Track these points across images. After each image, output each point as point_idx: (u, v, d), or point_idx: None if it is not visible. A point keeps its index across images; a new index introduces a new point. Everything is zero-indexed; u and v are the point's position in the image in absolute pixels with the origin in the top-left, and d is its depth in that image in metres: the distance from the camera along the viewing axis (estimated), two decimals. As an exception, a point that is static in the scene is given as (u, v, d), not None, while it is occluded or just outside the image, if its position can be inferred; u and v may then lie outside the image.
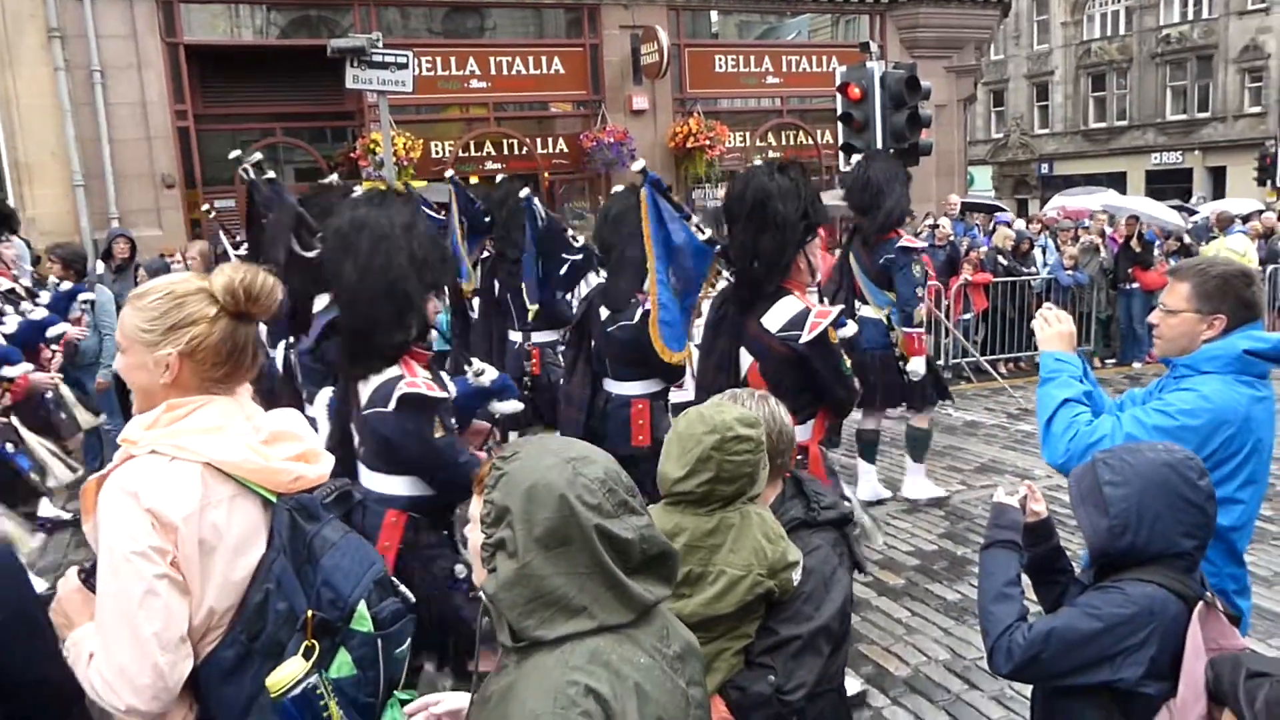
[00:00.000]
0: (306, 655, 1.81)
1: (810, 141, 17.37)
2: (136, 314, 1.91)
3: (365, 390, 3.20)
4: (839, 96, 10.34)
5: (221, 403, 1.91)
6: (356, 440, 3.34)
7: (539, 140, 15.53)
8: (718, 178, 16.23)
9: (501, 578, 1.47)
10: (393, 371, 3.17)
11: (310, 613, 1.84)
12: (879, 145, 10.06)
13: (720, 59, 16.46)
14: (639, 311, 4.78)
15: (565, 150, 15.50)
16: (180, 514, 1.76)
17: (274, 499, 1.88)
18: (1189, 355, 2.65)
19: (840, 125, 10.51)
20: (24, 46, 11.85)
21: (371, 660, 1.92)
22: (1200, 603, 2.06)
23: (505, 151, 15.16)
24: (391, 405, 3.11)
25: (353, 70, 9.40)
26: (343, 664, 1.88)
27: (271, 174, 4.12)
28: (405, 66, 9.84)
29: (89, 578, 1.85)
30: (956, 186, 16.82)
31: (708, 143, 15.27)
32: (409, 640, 2.02)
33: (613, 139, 14.71)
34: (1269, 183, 22.79)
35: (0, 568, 1.76)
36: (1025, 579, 2.42)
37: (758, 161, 4.50)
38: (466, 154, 14.97)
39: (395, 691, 2.00)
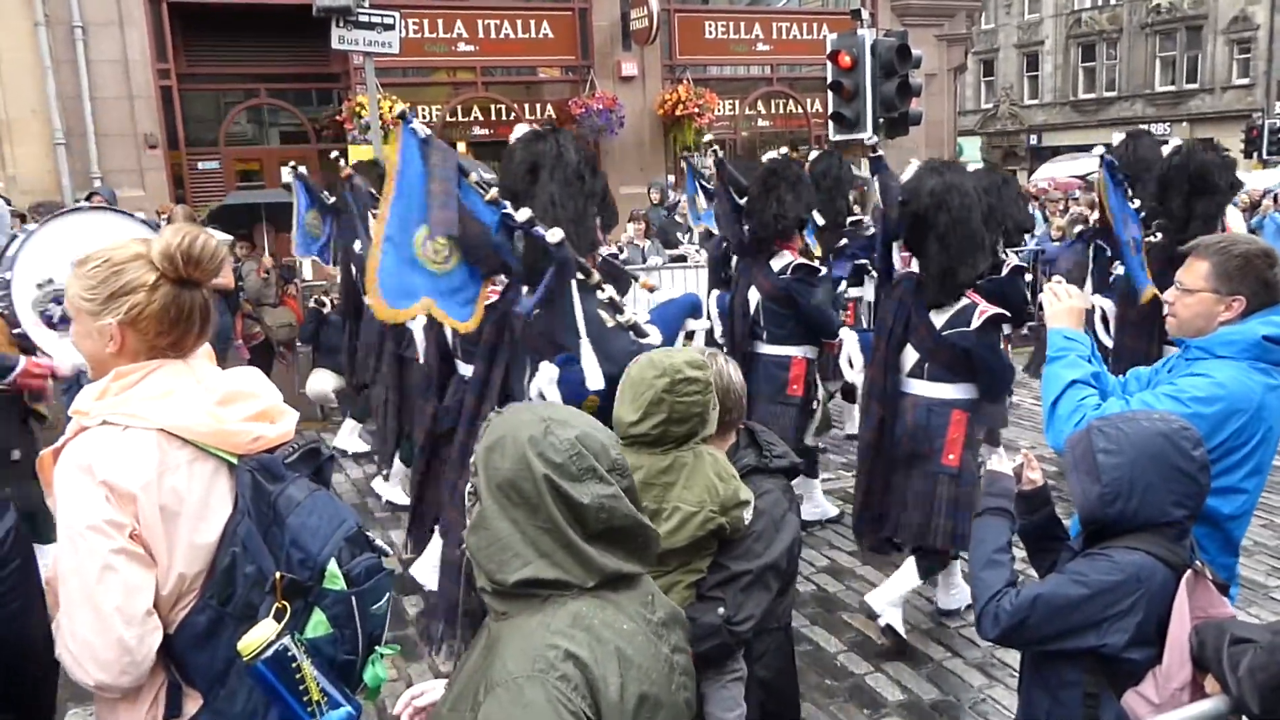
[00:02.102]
0: (277, 617, 1.80)
1: (800, 110, 17.29)
2: (77, 282, 1.86)
3: (940, 318, 4.21)
4: (829, 64, 10.28)
5: (171, 367, 1.88)
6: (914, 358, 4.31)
7: (527, 106, 15.39)
8: (706, 147, 16.12)
9: (470, 522, 1.53)
10: (964, 301, 4.19)
11: (279, 574, 1.83)
12: (869, 114, 10.03)
13: (710, 25, 16.31)
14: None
15: (553, 116, 15.35)
16: (138, 483, 1.73)
17: (234, 460, 1.85)
18: (1204, 337, 2.56)
19: (830, 93, 10.45)
20: (3, 0, 11.62)
21: (347, 618, 1.91)
22: (1189, 571, 2.08)
23: (493, 117, 15.02)
24: (975, 324, 4.10)
25: (338, 30, 9.26)
26: (318, 623, 1.87)
27: (880, 153, 4.78)
28: (392, 27, 9.71)
29: None
30: (945, 158, 16.78)
31: (697, 110, 15.16)
32: (387, 595, 2.02)
33: (601, 105, 14.59)
34: (1255, 155, 22.84)
35: (15, 527, 1.76)
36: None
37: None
38: (454, 119, 14.83)
39: (377, 647, 2.01)
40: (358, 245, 6.95)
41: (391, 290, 3.20)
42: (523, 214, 3.18)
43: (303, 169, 7.68)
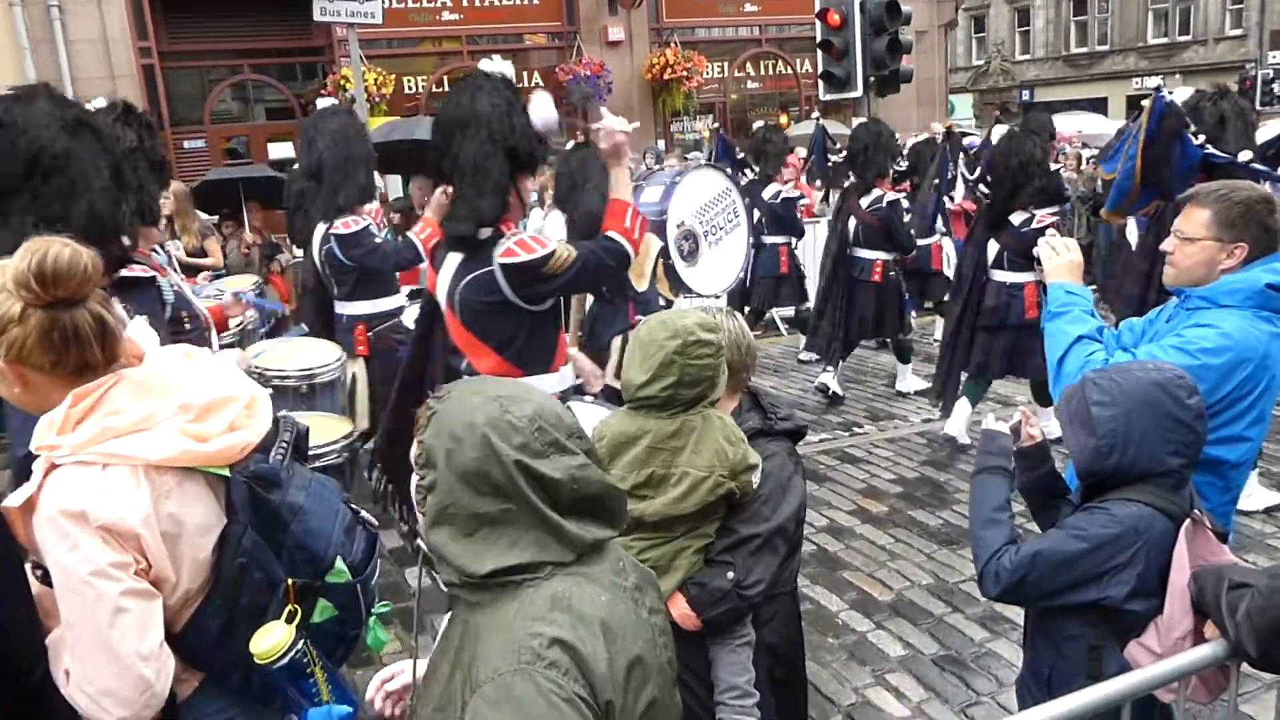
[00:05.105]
0: (290, 619, 1.80)
1: (789, 71, 17.14)
2: None
3: None
4: (818, 23, 10.19)
5: (131, 379, 1.76)
6: None
7: (513, 74, 15.23)
8: (696, 110, 16.02)
9: (430, 518, 1.44)
10: None
11: (290, 581, 1.82)
12: (859, 73, 9.94)
13: (697, -14, 16.13)
14: None
15: (541, 84, 15.21)
16: (137, 519, 1.66)
17: (226, 473, 1.79)
18: (1206, 286, 2.53)
19: (819, 53, 10.37)
20: (-24, -17, 11.47)
21: (353, 603, 1.96)
22: (1188, 520, 2.06)
23: (480, 86, 14.86)
24: None
25: (320, 2, 9.13)
26: (324, 609, 1.90)
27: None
28: (374, -2, 9.57)
29: (46, 575, 1.74)
30: (938, 115, 16.65)
31: (685, 74, 15.03)
32: (379, 565, 2.06)
33: (589, 71, 14.45)
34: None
35: None
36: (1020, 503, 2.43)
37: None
38: (440, 89, 14.68)
39: (372, 610, 2.04)
40: (768, 193, 8.30)
41: (1112, 202, 5.13)
42: (1244, 155, 4.49)
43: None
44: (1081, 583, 2.10)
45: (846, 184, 7.92)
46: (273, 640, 1.76)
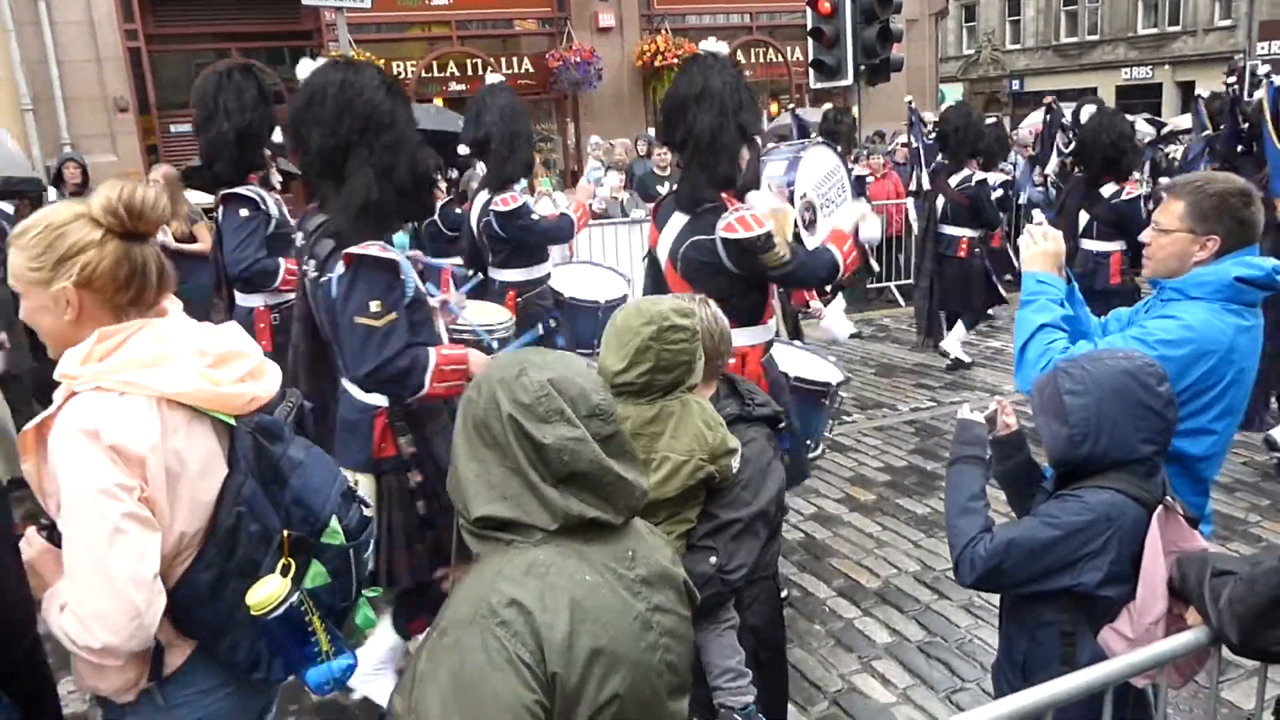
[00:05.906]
0: (284, 573, 1.84)
1: (780, 59, 17.11)
2: (21, 254, 1.80)
3: None
4: (809, 11, 10.18)
5: (156, 326, 1.84)
6: None
7: (503, 60, 15.17)
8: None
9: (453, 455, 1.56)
10: None
11: (286, 533, 1.87)
12: (849, 61, 9.95)
13: (688, -28, 16.07)
14: None
15: (531, 70, 15.16)
16: (146, 445, 1.72)
17: (232, 421, 1.86)
18: (1178, 278, 2.54)
19: (810, 41, 10.36)
20: (-40, -36, 11.34)
21: (345, 569, 2.00)
22: (1160, 507, 2.09)
23: (469, 72, 14.80)
24: None
25: (309, -14, 9.08)
26: (317, 574, 1.94)
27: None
28: (363, -18, 9.51)
29: (51, 532, 1.79)
30: (928, 104, 16.66)
31: (676, 61, 14.98)
32: (371, 545, 2.14)
33: (579, 58, 14.40)
34: (1237, 97, 22.77)
35: None
36: (999, 492, 2.45)
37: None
38: (429, 75, 14.62)
39: (363, 591, 2.10)
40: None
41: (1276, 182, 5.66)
42: None
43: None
44: (1055, 569, 2.12)
45: (934, 164, 8.46)
46: (268, 590, 1.81)
